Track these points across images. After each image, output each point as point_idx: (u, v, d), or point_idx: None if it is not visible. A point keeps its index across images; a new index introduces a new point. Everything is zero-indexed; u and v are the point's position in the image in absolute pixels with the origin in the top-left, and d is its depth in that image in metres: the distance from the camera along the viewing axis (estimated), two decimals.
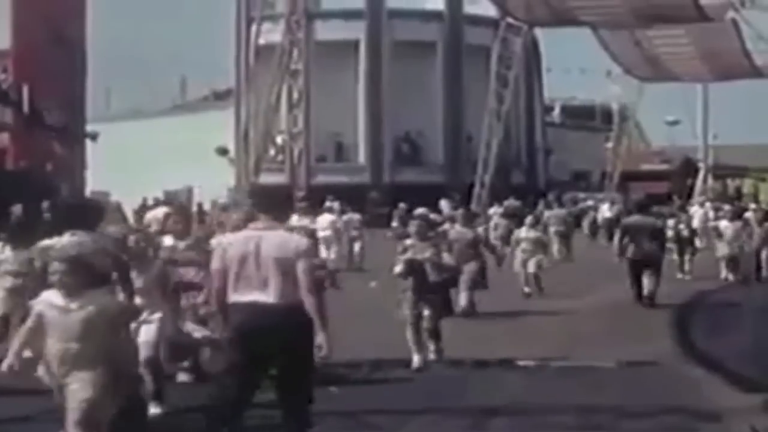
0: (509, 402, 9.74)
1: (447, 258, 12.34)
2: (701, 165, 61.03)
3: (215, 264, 7.60)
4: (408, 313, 11.80)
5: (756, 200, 58.35)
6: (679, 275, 22.80)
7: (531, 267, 19.47)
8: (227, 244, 7.69)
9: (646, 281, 17.44)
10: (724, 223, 23.88)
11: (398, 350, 12.41)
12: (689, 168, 61.90)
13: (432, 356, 11.88)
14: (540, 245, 20.11)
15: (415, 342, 11.74)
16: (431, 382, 10.89)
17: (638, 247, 17.51)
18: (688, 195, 53.32)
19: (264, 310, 7.29)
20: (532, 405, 9.60)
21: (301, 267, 7.37)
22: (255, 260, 7.36)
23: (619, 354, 12.30)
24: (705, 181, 59.27)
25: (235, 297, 7.38)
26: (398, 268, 11.91)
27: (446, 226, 17.21)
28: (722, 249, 23.10)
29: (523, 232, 20.27)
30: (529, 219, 21.12)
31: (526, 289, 19.38)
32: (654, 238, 17.76)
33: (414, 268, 11.76)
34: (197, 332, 10.17)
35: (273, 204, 7.81)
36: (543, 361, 12.00)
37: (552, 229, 29.42)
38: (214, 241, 9.49)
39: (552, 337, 14.22)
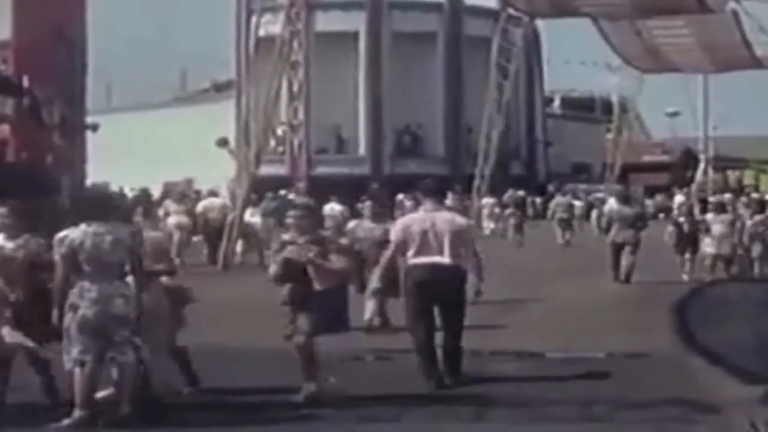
0: (508, 393, 9.75)
1: (335, 261, 9.45)
2: (702, 156, 61.04)
3: (396, 237, 10.31)
4: (288, 331, 9.39)
5: (757, 191, 58.44)
6: (685, 277, 20.92)
7: None
8: (408, 223, 10.38)
9: (624, 260, 20.08)
10: (710, 217, 21.75)
11: (399, 340, 12.44)
12: (690, 159, 61.96)
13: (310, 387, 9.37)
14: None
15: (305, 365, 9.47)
16: None
17: (619, 231, 20.25)
18: (689, 186, 53.34)
19: (441, 267, 9.99)
20: (531, 396, 9.61)
21: (465, 237, 10.28)
22: (433, 233, 10.01)
23: (617, 345, 12.33)
24: (705, 172, 59.25)
25: (418, 259, 10.05)
26: (272, 270, 9.44)
27: (352, 223, 15.10)
28: (709, 246, 20.96)
29: None
30: None
31: None
32: (632, 225, 20.47)
33: (292, 272, 9.29)
34: (10, 337, 8.72)
35: (438, 192, 10.72)
36: (541, 352, 12.03)
37: (557, 216, 32.95)
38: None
39: (550, 328, 14.23)
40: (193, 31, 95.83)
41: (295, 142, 51.59)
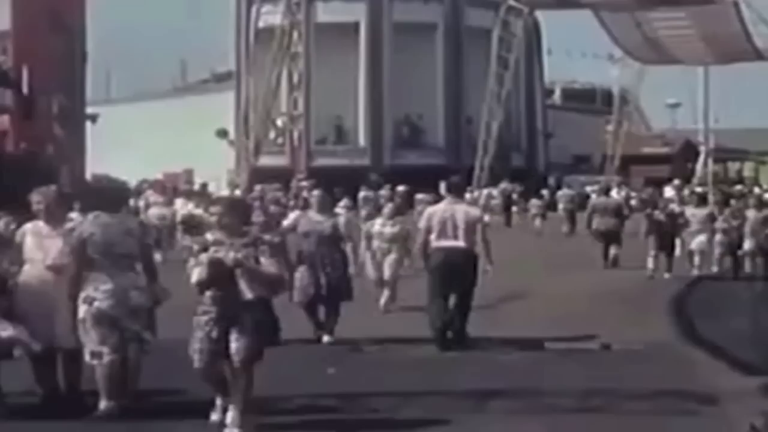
0: (507, 384, 9.73)
1: (267, 264, 7.90)
2: (702, 148, 60.95)
3: (422, 224, 12.09)
4: (204, 346, 7.85)
5: (756, 183, 58.36)
6: (648, 273, 19.55)
7: (387, 272, 14.96)
8: (432, 213, 12.09)
9: (611, 250, 21.38)
10: (690, 210, 20.56)
11: (397, 331, 12.45)
12: (690, 151, 61.86)
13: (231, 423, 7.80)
14: (399, 243, 15.11)
15: (219, 390, 8.04)
16: (429, 364, 10.90)
17: (602, 220, 21.60)
18: (689, 178, 53.30)
19: (457, 251, 11.76)
20: (530, 387, 9.61)
21: (477, 226, 11.93)
22: (451, 222, 11.77)
23: (616, 336, 12.34)
24: (705, 164, 59.19)
25: (439, 243, 11.81)
26: (196, 275, 7.84)
27: (294, 213, 13.02)
28: (688, 240, 19.97)
29: (377, 225, 15.28)
30: (387, 209, 16.05)
31: (382, 302, 14.88)
32: (616, 215, 21.86)
33: (218, 276, 7.82)
34: (4, 331, 8.43)
35: (460, 189, 13.26)
36: (540, 343, 12.04)
37: (561, 206, 35.21)
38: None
39: (549, 318, 14.21)
40: (192, 22, 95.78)
41: (295, 133, 51.61)
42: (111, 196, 8.80)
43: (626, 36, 49.34)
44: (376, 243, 14.94)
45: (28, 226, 8.79)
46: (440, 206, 12.24)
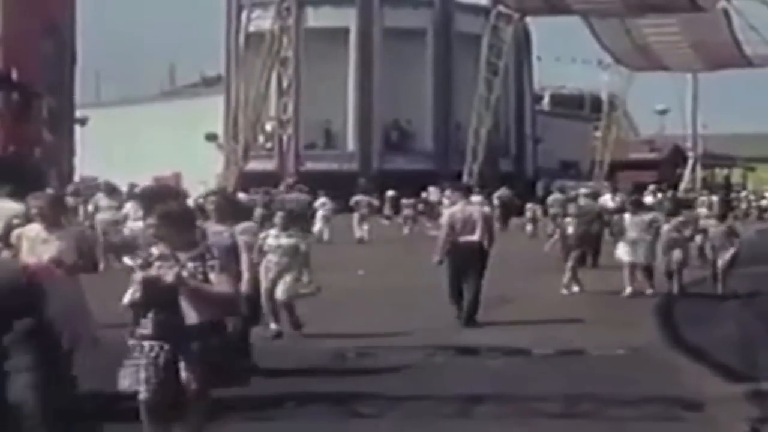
0: (494, 389, 9.76)
1: (216, 281, 6.84)
2: (690, 154, 61.14)
3: (447, 222, 14.65)
4: (150, 375, 6.79)
5: (744, 189, 58.49)
6: (564, 290, 17.83)
7: (280, 293, 12.69)
8: (452, 213, 14.80)
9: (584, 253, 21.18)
10: (627, 217, 18.53)
11: (383, 337, 12.47)
12: (678, 157, 62.07)
13: None
14: (295, 257, 12.89)
15: (161, 426, 6.96)
16: (416, 370, 10.92)
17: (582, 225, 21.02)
18: (676, 184, 53.46)
19: (470, 243, 14.33)
20: (517, 393, 9.63)
21: (488, 222, 14.83)
22: (469, 220, 14.40)
23: (603, 341, 12.38)
24: (694, 170, 59.37)
25: (459, 238, 14.34)
26: (129, 296, 6.93)
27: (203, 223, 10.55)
28: (623, 252, 17.85)
29: (270, 238, 12.84)
30: (279, 216, 13.47)
31: (273, 326, 12.66)
32: (597, 219, 21.86)
33: (157, 297, 6.76)
34: None
35: (469, 191, 16.49)
36: (527, 348, 12.07)
37: (551, 210, 34.81)
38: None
39: (536, 323, 14.25)
40: (182, 25, 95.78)
41: (284, 138, 51.63)
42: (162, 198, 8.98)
43: (616, 42, 49.49)
44: (270, 257, 12.73)
45: (24, 229, 8.75)
46: (457, 207, 14.94)
